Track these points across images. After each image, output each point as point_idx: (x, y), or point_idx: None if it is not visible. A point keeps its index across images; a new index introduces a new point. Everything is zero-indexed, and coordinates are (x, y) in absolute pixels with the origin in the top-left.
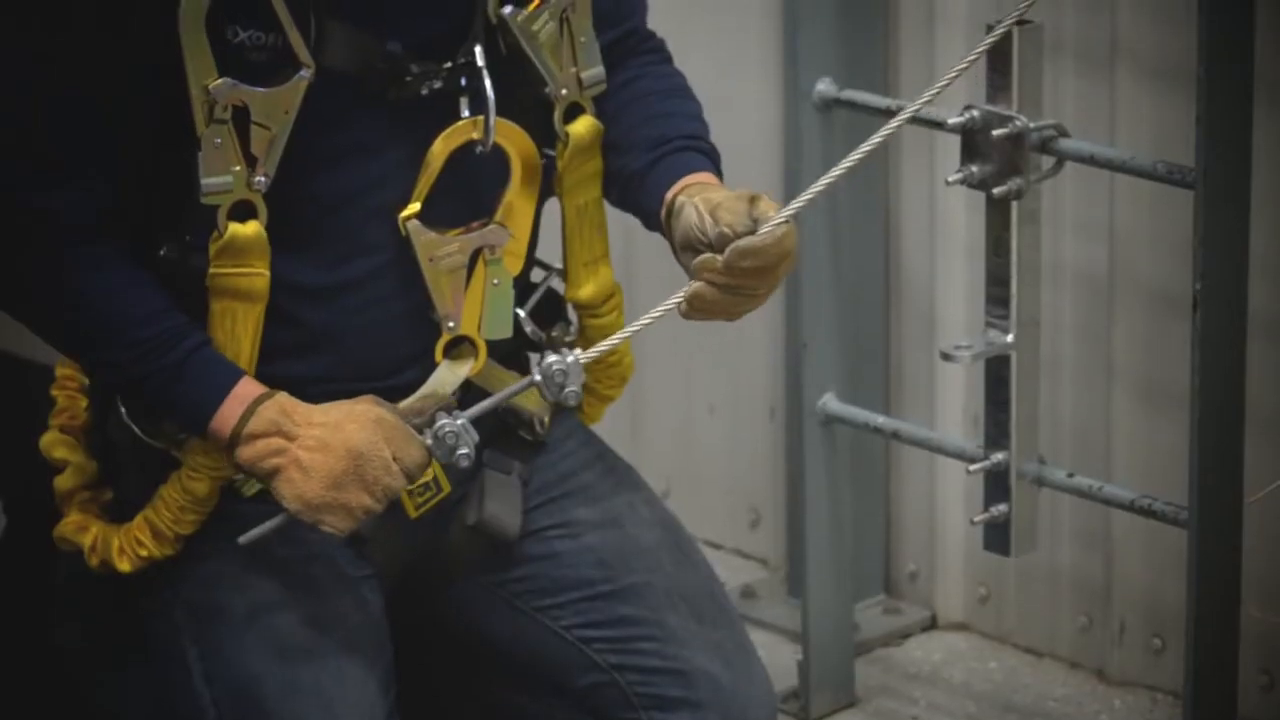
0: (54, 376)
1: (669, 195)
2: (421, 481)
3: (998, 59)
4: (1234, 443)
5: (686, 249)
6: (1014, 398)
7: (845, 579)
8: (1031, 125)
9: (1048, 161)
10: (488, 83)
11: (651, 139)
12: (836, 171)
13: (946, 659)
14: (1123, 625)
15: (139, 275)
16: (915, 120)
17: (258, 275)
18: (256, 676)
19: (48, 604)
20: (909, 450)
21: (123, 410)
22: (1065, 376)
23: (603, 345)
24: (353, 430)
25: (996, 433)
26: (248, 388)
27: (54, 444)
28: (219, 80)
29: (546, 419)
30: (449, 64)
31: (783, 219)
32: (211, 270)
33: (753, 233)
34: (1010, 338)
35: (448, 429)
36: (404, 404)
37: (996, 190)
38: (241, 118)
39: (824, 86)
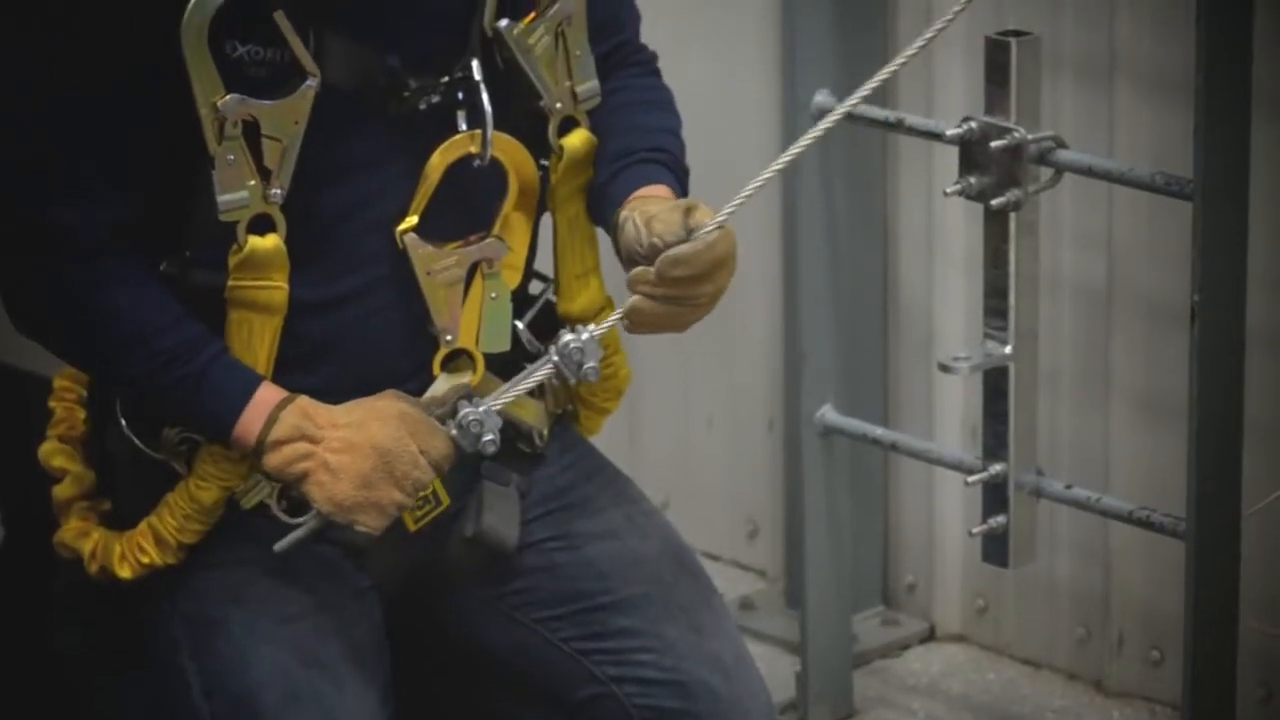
0: (51, 388)
1: (619, 209)
2: (420, 495)
3: (996, 71)
4: (1232, 454)
5: (629, 262)
6: (1012, 409)
7: (843, 590)
8: (1030, 137)
9: (1046, 173)
10: (485, 97)
11: (616, 152)
12: (766, 175)
13: (945, 670)
14: (1121, 637)
15: (153, 286)
16: (913, 132)
17: (276, 288)
18: (256, 688)
19: (47, 611)
20: (907, 462)
21: (122, 422)
22: (1064, 388)
23: (611, 319)
24: (377, 428)
25: (995, 444)
26: (268, 393)
27: (52, 453)
28: (227, 96)
29: (546, 431)
30: (446, 78)
31: (714, 225)
32: (230, 283)
33: (684, 242)
34: (1008, 349)
35: (471, 417)
36: (424, 397)
37: (995, 202)
38: (250, 132)
39: (822, 98)
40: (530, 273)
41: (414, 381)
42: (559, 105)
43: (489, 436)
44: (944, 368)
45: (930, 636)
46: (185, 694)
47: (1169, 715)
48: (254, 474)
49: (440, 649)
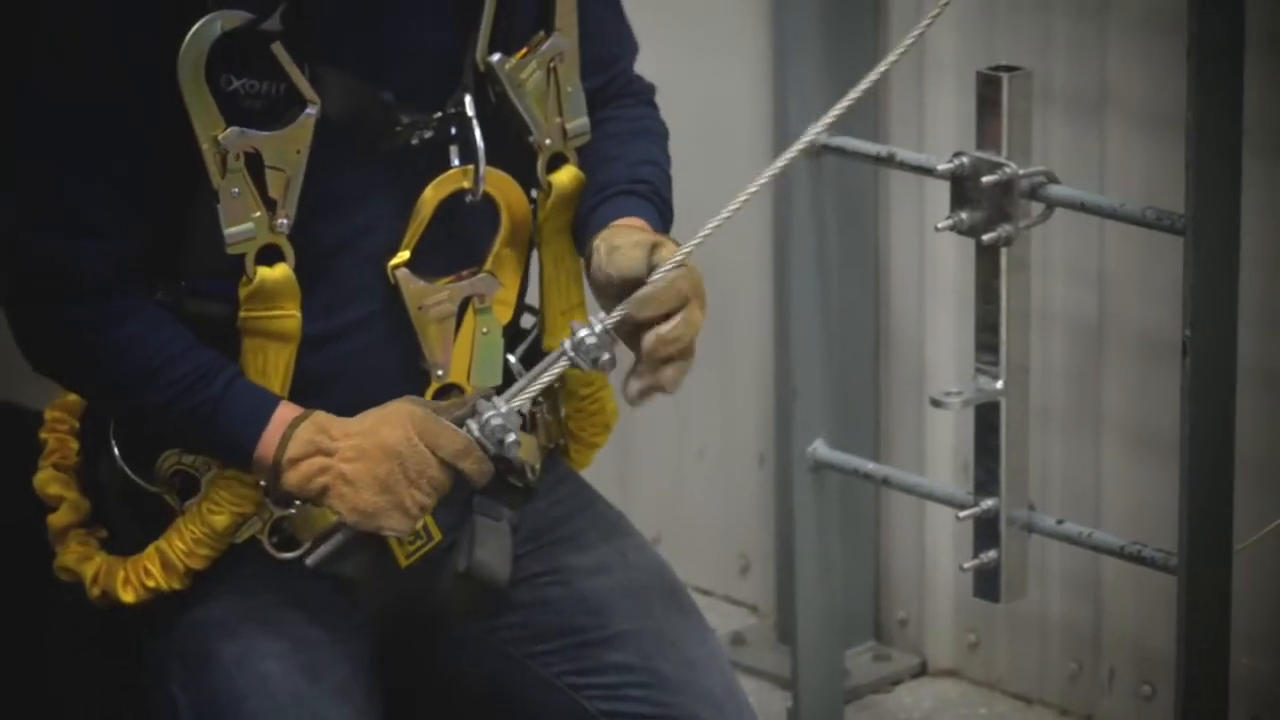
0: (43, 420)
1: (593, 239)
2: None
3: (987, 106)
4: (1224, 489)
5: (599, 295)
6: (1004, 444)
7: (835, 625)
8: (1021, 172)
9: (1037, 208)
10: (478, 132)
11: (597, 184)
12: (724, 215)
13: (937, 705)
14: (1112, 672)
15: (163, 317)
16: (905, 166)
17: (289, 317)
18: None
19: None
20: (899, 496)
21: (116, 451)
22: (1055, 423)
23: (619, 310)
24: (386, 431)
25: (986, 479)
26: (285, 412)
27: (48, 481)
28: (228, 130)
29: (537, 465)
30: (439, 113)
31: (673, 264)
32: (242, 314)
33: (643, 279)
34: (1000, 384)
35: (492, 417)
36: (444, 403)
37: (986, 237)
38: (252, 164)
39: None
40: (522, 307)
41: None
42: (548, 141)
43: (512, 436)
44: (935, 403)
45: (922, 671)
46: None
47: None
48: (265, 502)
49: (432, 683)
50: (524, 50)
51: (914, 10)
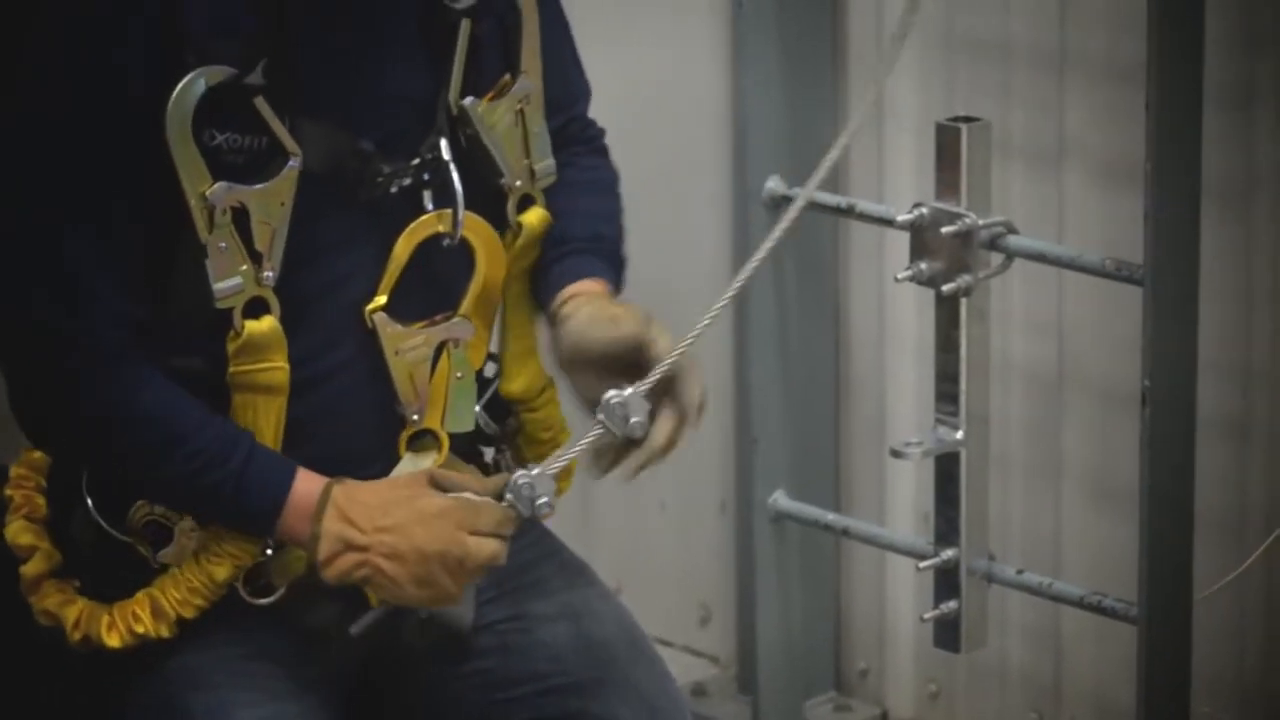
0: (7, 475)
1: (556, 301)
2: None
3: (946, 156)
4: (1183, 539)
5: (568, 363)
6: (963, 494)
7: (796, 676)
8: (980, 222)
9: (996, 258)
10: (455, 176)
11: (554, 237)
12: (722, 302)
13: None
14: None
15: (171, 385)
16: (864, 218)
17: (277, 369)
18: None
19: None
20: (859, 547)
21: (89, 501)
22: (1015, 473)
23: (648, 380)
24: (420, 533)
25: (946, 529)
26: (304, 486)
27: (19, 531)
28: (215, 185)
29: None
30: (417, 160)
31: (696, 335)
32: (232, 370)
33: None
34: (960, 434)
35: (524, 481)
36: (464, 473)
37: (945, 287)
38: (237, 217)
39: (773, 184)
40: (486, 354)
41: (379, 463)
42: (518, 183)
43: (544, 499)
44: (895, 453)
45: None
46: None
47: None
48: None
49: None
50: (492, 93)
51: (873, 55)
